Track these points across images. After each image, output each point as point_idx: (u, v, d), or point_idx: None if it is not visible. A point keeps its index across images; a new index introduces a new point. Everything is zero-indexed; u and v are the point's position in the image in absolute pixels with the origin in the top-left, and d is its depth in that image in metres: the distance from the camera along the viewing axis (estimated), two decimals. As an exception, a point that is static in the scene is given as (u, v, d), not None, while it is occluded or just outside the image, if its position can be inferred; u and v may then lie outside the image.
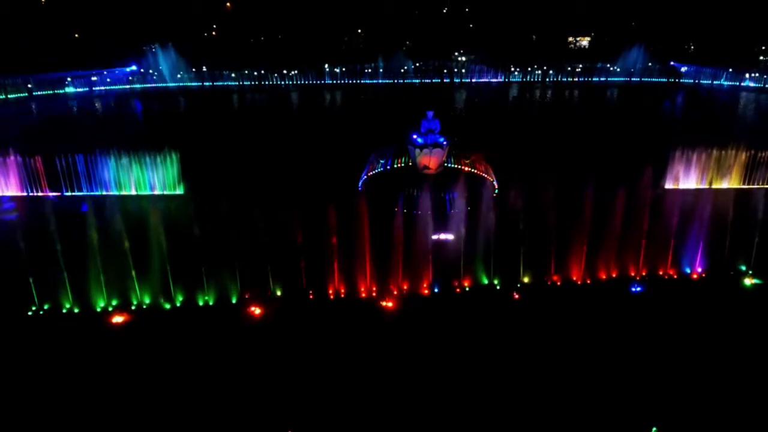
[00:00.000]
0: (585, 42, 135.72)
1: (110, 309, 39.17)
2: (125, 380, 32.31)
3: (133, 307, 39.45)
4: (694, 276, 43.48)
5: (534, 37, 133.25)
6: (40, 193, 59.65)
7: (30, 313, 38.57)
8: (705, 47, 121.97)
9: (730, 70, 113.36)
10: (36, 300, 38.99)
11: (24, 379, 32.33)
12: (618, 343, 35.31)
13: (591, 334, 36.28)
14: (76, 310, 39.08)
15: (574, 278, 42.74)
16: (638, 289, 41.78)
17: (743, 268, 43.74)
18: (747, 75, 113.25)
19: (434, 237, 45.34)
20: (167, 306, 39.67)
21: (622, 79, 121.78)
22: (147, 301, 39.91)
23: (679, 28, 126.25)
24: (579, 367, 33.24)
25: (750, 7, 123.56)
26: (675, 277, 43.34)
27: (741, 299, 40.99)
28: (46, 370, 33.11)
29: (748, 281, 42.75)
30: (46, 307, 39.00)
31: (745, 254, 44.14)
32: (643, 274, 43.26)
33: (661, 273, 43.42)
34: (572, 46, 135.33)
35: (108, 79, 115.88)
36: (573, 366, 33.36)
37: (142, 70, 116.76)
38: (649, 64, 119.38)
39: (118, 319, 38.33)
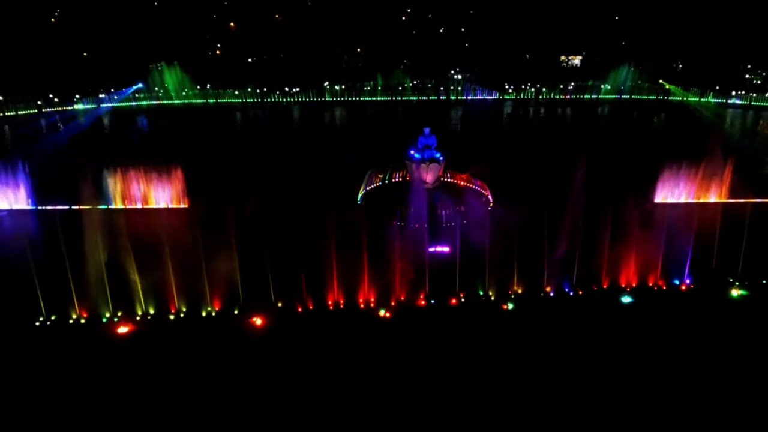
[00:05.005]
0: (577, 60, 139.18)
1: (116, 319, 40.26)
2: (130, 389, 33.26)
3: (137, 318, 40.53)
4: (683, 287, 44.80)
5: (527, 55, 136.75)
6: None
7: (38, 324, 39.63)
8: (693, 66, 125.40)
9: (717, 87, 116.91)
10: (43, 311, 40.07)
11: (31, 389, 33.27)
12: (608, 353, 36.44)
13: (582, 344, 37.44)
14: (82, 321, 40.17)
15: (566, 289, 44.05)
16: (628, 300, 43.10)
17: (731, 279, 45.07)
18: (733, 93, 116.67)
19: (431, 249, 46.69)
20: (171, 316, 40.79)
21: (612, 96, 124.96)
22: (151, 311, 41.06)
23: (667, 48, 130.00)
24: (570, 376, 34.34)
25: (736, 27, 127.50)
26: (664, 288, 44.66)
27: (729, 310, 42.27)
28: (54, 379, 34.05)
29: (735, 292, 44.08)
30: (53, 317, 40.08)
31: (732, 266, 45.55)
32: (633, 285, 44.60)
33: (650, 284, 44.75)
34: (564, 64, 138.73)
35: (115, 96, 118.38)
36: (564, 375, 34.45)
37: (149, 93, 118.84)
38: (639, 81, 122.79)
39: (123, 329, 39.40)
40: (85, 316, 40.44)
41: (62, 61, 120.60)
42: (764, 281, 44.93)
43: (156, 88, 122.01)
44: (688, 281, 45.01)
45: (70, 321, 40.08)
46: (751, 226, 49.05)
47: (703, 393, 32.87)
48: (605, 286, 44.46)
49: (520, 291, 43.66)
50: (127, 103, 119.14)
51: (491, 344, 37.52)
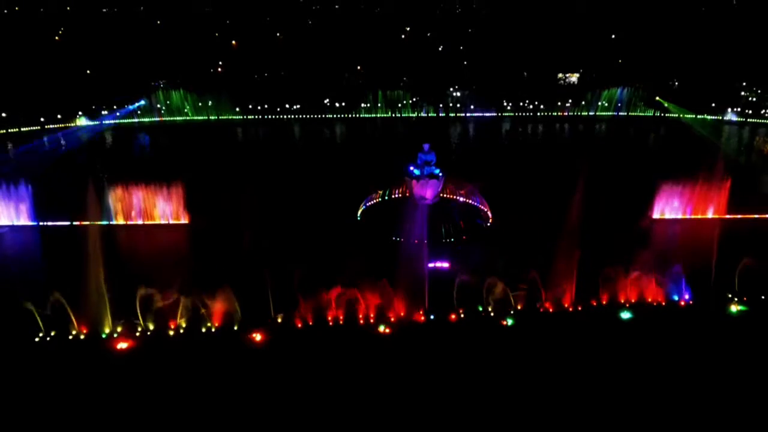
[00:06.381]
0: (574, 78, 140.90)
1: (115, 335, 40.20)
2: (129, 405, 33.15)
3: (137, 333, 40.48)
4: (682, 303, 44.85)
5: (525, 73, 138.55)
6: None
7: (37, 340, 39.52)
8: (689, 83, 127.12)
9: (713, 105, 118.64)
10: (42, 326, 39.96)
11: (30, 404, 33.15)
12: (608, 368, 36.38)
13: (582, 359, 37.38)
14: (81, 336, 40.10)
15: (566, 305, 44.10)
16: (627, 315, 43.14)
17: (729, 295, 45.08)
18: (729, 110, 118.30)
19: (430, 265, 46.83)
20: (171, 332, 40.75)
21: (609, 113, 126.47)
22: (151, 326, 41.02)
23: (663, 65, 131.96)
24: (570, 391, 34.26)
25: (732, 46, 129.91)
26: (663, 304, 44.70)
27: (727, 326, 42.24)
28: (53, 395, 33.91)
29: (734, 308, 44.13)
30: (52, 333, 39.99)
31: (731, 282, 45.65)
32: (632, 301, 44.68)
33: (649, 300, 44.80)
34: (562, 82, 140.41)
35: (117, 113, 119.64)
36: (564, 390, 34.38)
37: (150, 110, 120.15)
38: (635, 96, 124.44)
39: (122, 344, 39.32)
40: (84, 331, 40.38)
41: (65, 78, 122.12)
42: (763, 297, 44.99)
43: (158, 105, 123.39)
44: (687, 297, 45.09)
45: (70, 336, 39.97)
46: (749, 242, 49.40)
47: (703, 407, 32.78)
48: (604, 302, 44.53)
49: (519, 307, 43.68)
50: (129, 120, 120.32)
51: (491, 360, 37.41)
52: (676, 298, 45.08)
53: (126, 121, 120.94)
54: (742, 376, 35.43)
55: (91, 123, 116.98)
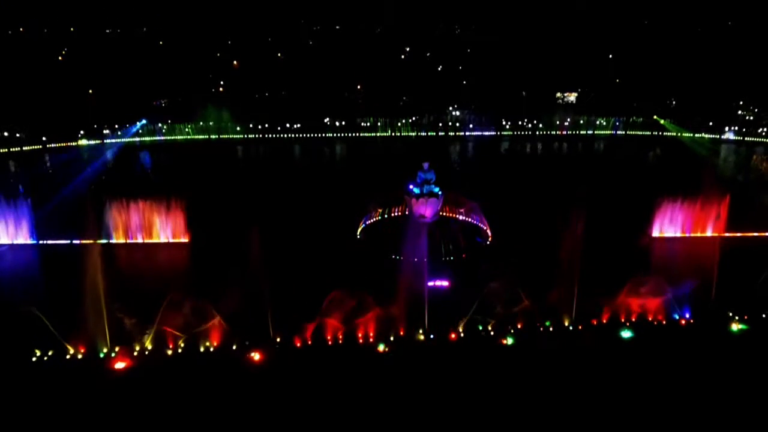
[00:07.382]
0: (572, 97, 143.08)
1: (113, 355, 39.92)
2: (127, 427, 32.82)
3: (135, 353, 40.20)
4: (683, 322, 44.67)
5: (524, 92, 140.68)
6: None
7: (34, 359, 39.21)
8: (686, 102, 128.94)
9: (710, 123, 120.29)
10: (40, 346, 39.66)
11: (27, 426, 32.79)
12: (609, 388, 36.01)
13: (582, 379, 37.03)
14: (79, 356, 39.79)
15: (566, 324, 43.90)
16: (628, 334, 42.92)
17: (730, 313, 44.93)
18: (726, 128, 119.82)
19: (430, 284, 46.77)
20: (169, 351, 40.46)
21: (607, 132, 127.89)
22: (149, 346, 40.74)
23: (661, 84, 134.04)
24: (570, 412, 33.88)
25: (729, 64, 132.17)
26: (664, 323, 44.51)
27: (729, 344, 42.00)
28: (48, 416, 33.51)
29: (735, 326, 43.93)
30: (50, 353, 39.69)
31: (732, 300, 45.51)
32: (633, 319, 44.50)
33: (650, 318, 44.62)
34: (560, 101, 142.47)
35: (119, 133, 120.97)
36: (563, 411, 34.00)
37: (152, 130, 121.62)
38: (633, 117, 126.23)
39: (120, 365, 39.01)
40: (82, 351, 40.09)
41: (67, 97, 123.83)
42: (764, 315, 44.83)
43: (159, 125, 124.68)
44: (687, 316, 44.92)
45: (67, 356, 39.67)
46: (749, 260, 49.37)
47: (705, 426, 32.43)
48: (605, 321, 44.35)
49: (519, 326, 43.47)
50: (132, 140, 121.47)
51: (490, 380, 37.08)
52: (676, 316, 44.93)
53: (128, 140, 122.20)
54: (744, 395, 35.05)
55: (92, 142, 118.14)
